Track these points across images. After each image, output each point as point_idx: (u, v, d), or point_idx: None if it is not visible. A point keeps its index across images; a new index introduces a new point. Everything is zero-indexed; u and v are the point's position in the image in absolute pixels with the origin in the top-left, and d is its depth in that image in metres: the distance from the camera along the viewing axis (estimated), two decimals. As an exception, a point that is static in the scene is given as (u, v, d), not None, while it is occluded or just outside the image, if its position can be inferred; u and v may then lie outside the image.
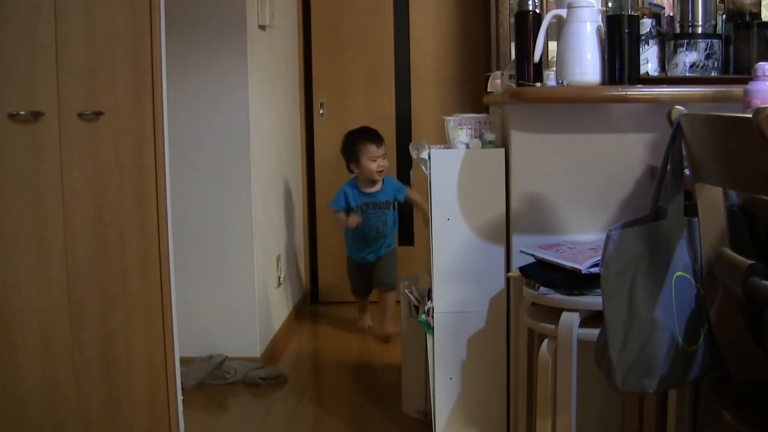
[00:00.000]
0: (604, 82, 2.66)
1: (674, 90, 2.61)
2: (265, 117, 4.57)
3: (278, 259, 4.86)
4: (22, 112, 2.66)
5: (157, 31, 2.77)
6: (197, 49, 4.14)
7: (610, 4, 2.71)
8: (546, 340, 2.48)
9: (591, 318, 2.40)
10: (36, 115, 2.67)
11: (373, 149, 4.74)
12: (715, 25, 2.80)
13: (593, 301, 2.37)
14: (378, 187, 4.83)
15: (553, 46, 3.10)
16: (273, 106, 4.81)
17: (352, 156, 4.80)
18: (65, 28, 2.70)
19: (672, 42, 2.80)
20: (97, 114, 2.72)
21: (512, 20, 3.24)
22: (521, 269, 2.63)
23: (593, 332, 2.26)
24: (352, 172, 4.88)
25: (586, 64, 2.64)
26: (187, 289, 4.19)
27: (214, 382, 4.06)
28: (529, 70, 2.80)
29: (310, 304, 5.84)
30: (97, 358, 2.80)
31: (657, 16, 2.86)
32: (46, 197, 2.72)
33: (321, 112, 5.74)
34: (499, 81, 3.33)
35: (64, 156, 2.71)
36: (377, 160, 4.73)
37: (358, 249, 4.96)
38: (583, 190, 2.80)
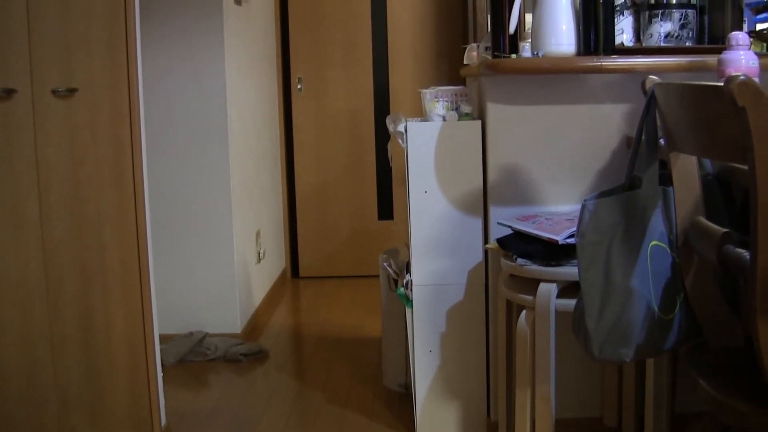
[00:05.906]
0: (579, 53, 2.67)
1: (649, 60, 2.61)
2: (242, 92, 4.54)
3: (258, 234, 4.86)
4: (-6, 90, 2.64)
5: (132, 6, 2.74)
6: (173, 24, 4.10)
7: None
8: (524, 311, 2.49)
9: (568, 288, 2.41)
10: (9, 93, 2.65)
11: None
12: (690, -5, 2.81)
13: (570, 271, 2.38)
14: None
15: (528, 17, 3.09)
16: (250, 82, 4.79)
17: None
18: (38, 3, 2.67)
19: (647, 12, 2.80)
20: (72, 91, 2.70)
21: (488, -8, 3.24)
22: (499, 241, 2.64)
23: (571, 302, 2.28)
24: None
25: (561, 34, 2.63)
26: (166, 266, 4.18)
27: (195, 359, 4.06)
28: (504, 42, 2.80)
29: (291, 278, 5.85)
30: (75, 334, 2.80)
31: (632, -13, 2.86)
32: (21, 173, 2.70)
33: (299, 87, 5.72)
34: (475, 53, 3.33)
35: (39, 133, 2.69)
36: None
37: None
38: (559, 161, 2.81)
